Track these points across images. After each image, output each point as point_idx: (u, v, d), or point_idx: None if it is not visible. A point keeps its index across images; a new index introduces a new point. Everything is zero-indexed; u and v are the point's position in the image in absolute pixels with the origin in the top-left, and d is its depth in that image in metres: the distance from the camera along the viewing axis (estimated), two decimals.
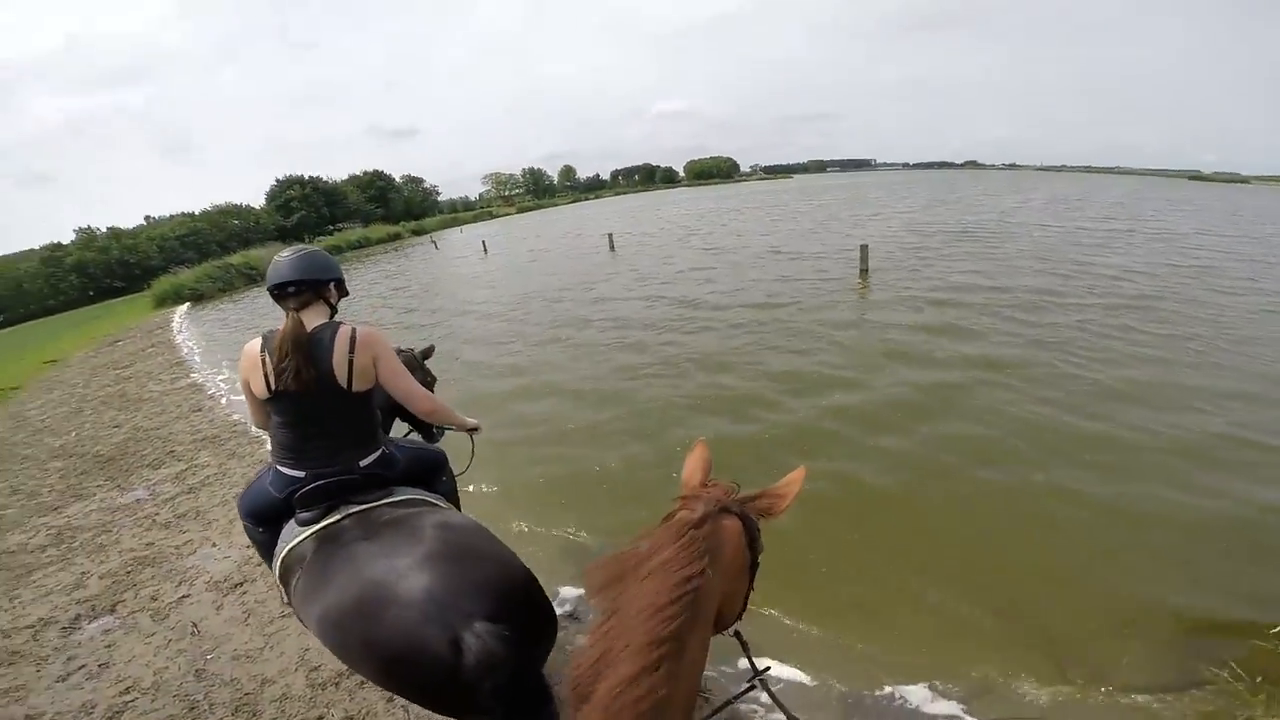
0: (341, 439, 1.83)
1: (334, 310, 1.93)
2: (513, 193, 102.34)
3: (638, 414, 5.35)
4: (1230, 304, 7.66)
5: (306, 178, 60.99)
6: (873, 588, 2.97)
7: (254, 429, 5.14)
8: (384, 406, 2.20)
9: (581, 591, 2.96)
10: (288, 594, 1.79)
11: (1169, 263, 10.63)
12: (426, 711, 1.65)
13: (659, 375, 6.31)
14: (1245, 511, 3.34)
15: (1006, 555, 3.13)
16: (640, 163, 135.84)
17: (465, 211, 75.56)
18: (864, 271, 10.44)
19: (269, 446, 1.92)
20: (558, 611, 2.85)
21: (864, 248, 10.73)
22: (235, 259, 29.60)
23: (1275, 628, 2.35)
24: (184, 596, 3.47)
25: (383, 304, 13.93)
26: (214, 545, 4.00)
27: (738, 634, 1.26)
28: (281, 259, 1.87)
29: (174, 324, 17.31)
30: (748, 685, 1.33)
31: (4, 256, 54.68)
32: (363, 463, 1.85)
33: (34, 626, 3.44)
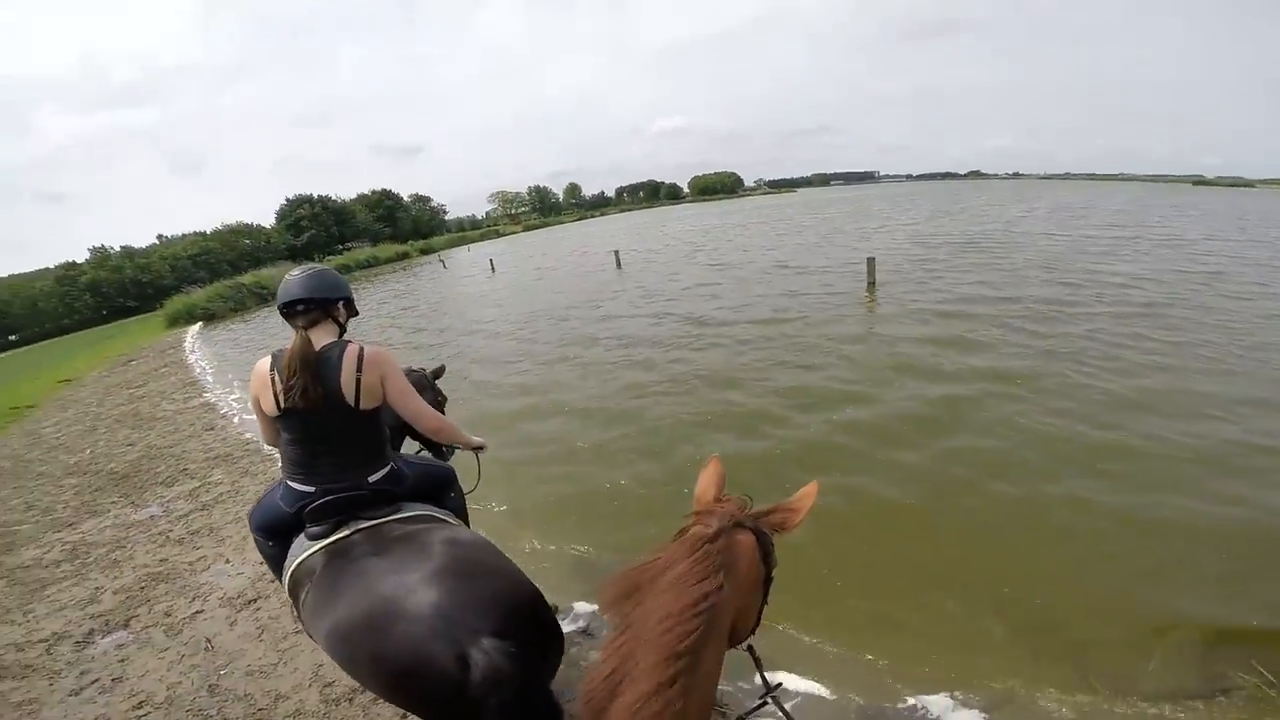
0: (350, 456, 1.85)
1: (343, 329, 1.96)
2: (519, 211, 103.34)
3: (646, 432, 5.34)
4: (1240, 309, 7.61)
5: (316, 197, 61.77)
6: (888, 601, 2.94)
7: (266, 447, 5.20)
8: (394, 425, 2.23)
9: (595, 607, 2.95)
10: (296, 607, 1.80)
11: (1177, 269, 10.57)
12: None
13: (667, 393, 6.31)
14: (1263, 518, 3.31)
15: (1023, 566, 3.10)
16: (644, 179, 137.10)
17: (472, 230, 76.37)
18: (871, 285, 10.42)
19: (280, 462, 1.95)
20: (571, 627, 2.87)
21: (870, 261, 10.73)
22: (246, 278, 30.00)
23: None
24: (197, 612, 3.49)
25: (391, 324, 14.03)
26: (227, 561, 4.01)
27: (751, 649, 1.26)
28: (292, 277, 1.91)
29: (186, 344, 17.50)
30: (760, 701, 1.33)
31: (20, 275, 55.62)
32: (372, 478, 1.87)
33: (47, 640, 3.46)
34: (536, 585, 1.72)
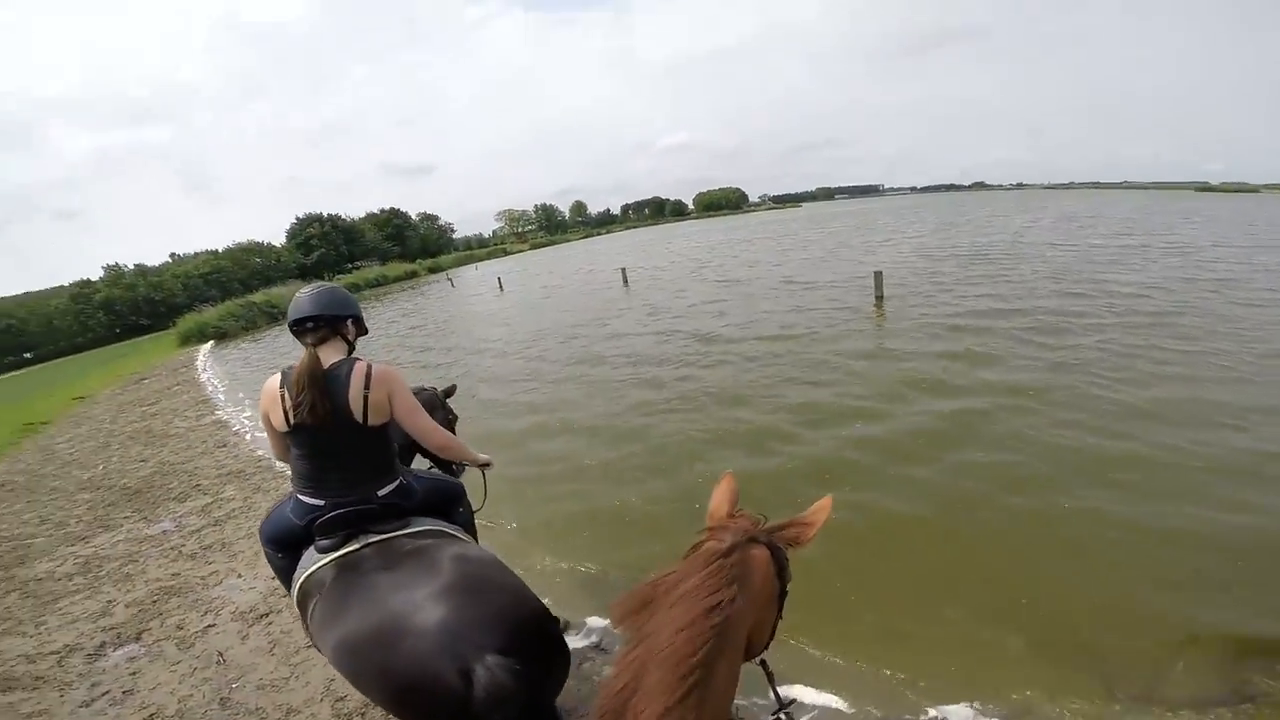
0: (359, 470, 1.88)
1: (351, 347, 1.99)
2: (526, 229, 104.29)
3: (655, 450, 5.33)
4: (1251, 316, 7.56)
5: (325, 215, 62.57)
6: (902, 614, 2.92)
7: (278, 464, 5.23)
8: (404, 443, 2.27)
9: (607, 623, 2.94)
10: (305, 619, 1.82)
11: (1186, 277, 10.52)
12: None
13: (675, 410, 6.30)
14: None
15: (1041, 578, 3.08)
16: (649, 196, 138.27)
17: (480, 249, 77.08)
18: (879, 299, 10.41)
19: (290, 477, 1.99)
20: (583, 642, 2.87)
21: (878, 274, 10.72)
22: (257, 297, 30.35)
23: None
24: (209, 626, 3.50)
25: (399, 343, 14.08)
26: (239, 576, 4.03)
27: (763, 663, 1.26)
28: (302, 295, 1.95)
29: (198, 362, 17.70)
30: (774, 716, 1.33)
31: (35, 293, 56.47)
32: (381, 492, 1.90)
33: (59, 653, 3.48)
34: (544, 602, 1.73)
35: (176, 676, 3.09)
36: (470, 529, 2.27)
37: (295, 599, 1.87)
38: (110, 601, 4.00)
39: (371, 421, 1.84)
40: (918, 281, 12.35)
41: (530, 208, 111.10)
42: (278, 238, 62.27)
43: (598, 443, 5.72)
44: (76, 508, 6.16)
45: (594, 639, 2.91)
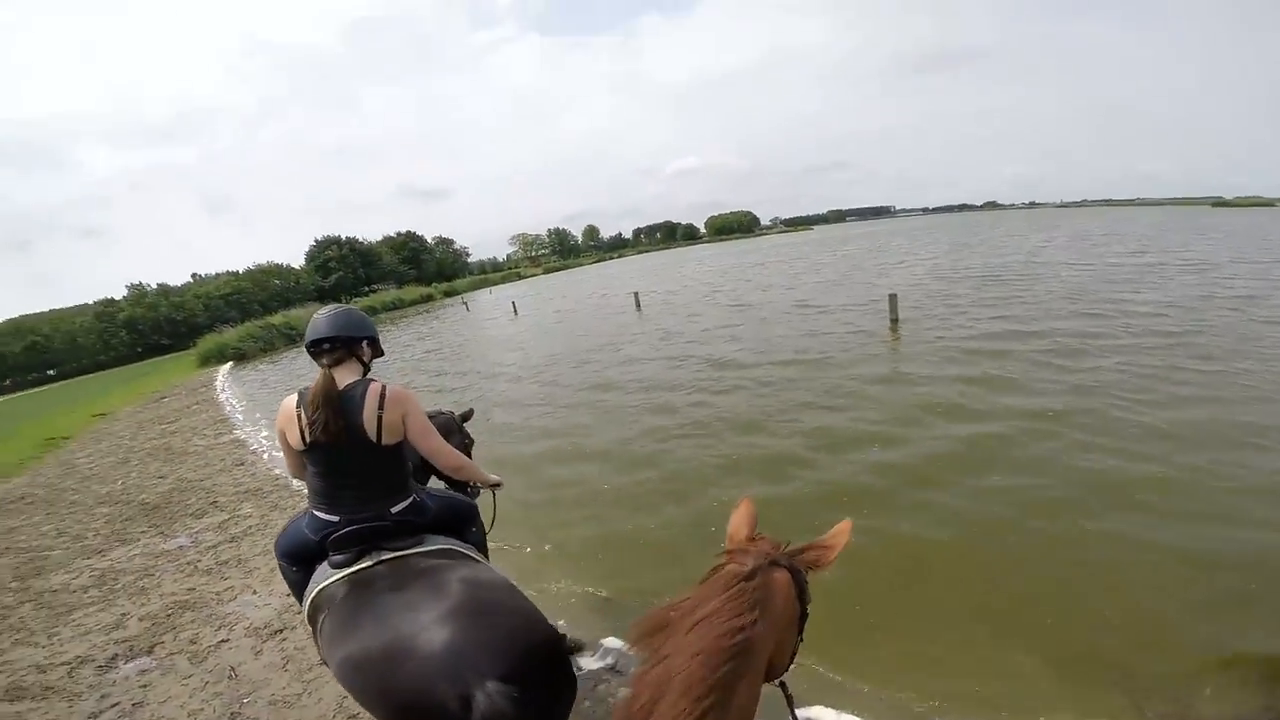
0: (373, 488, 1.91)
1: (366, 368, 2.03)
2: (539, 253, 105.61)
3: (670, 475, 5.30)
4: (1273, 334, 7.43)
5: (344, 238, 63.78)
6: (925, 638, 2.86)
7: (295, 483, 5.27)
8: (419, 464, 2.30)
9: (623, 644, 2.90)
10: (314, 632, 1.84)
11: (1206, 294, 10.38)
12: None
13: (690, 436, 6.26)
14: None
15: (1066, 601, 3.02)
16: (660, 220, 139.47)
17: (494, 273, 78.18)
18: (894, 322, 10.35)
19: (306, 493, 2.02)
20: (599, 664, 2.83)
21: (892, 297, 10.69)
22: (276, 319, 30.85)
23: None
24: (223, 641, 3.49)
25: (414, 368, 14.12)
26: (254, 592, 4.03)
27: (783, 684, 1.25)
28: (319, 317, 2.00)
29: (217, 383, 17.98)
30: None
31: (59, 310, 57.86)
32: (394, 509, 1.92)
33: (70, 664, 3.49)
34: (557, 625, 1.73)
35: (187, 690, 3.08)
36: (483, 549, 2.28)
37: (306, 614, 1.89)
38: (124, 614, 4.02)
39: (385, 441, 1.88)
40: (932, 304, 12.28)
41: (543, 231, 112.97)
42: (297, 259, 63.64)
43: (611, 468, 5.69)
44: (94, 521, 6.22)
45: (609, 660, 2.87)
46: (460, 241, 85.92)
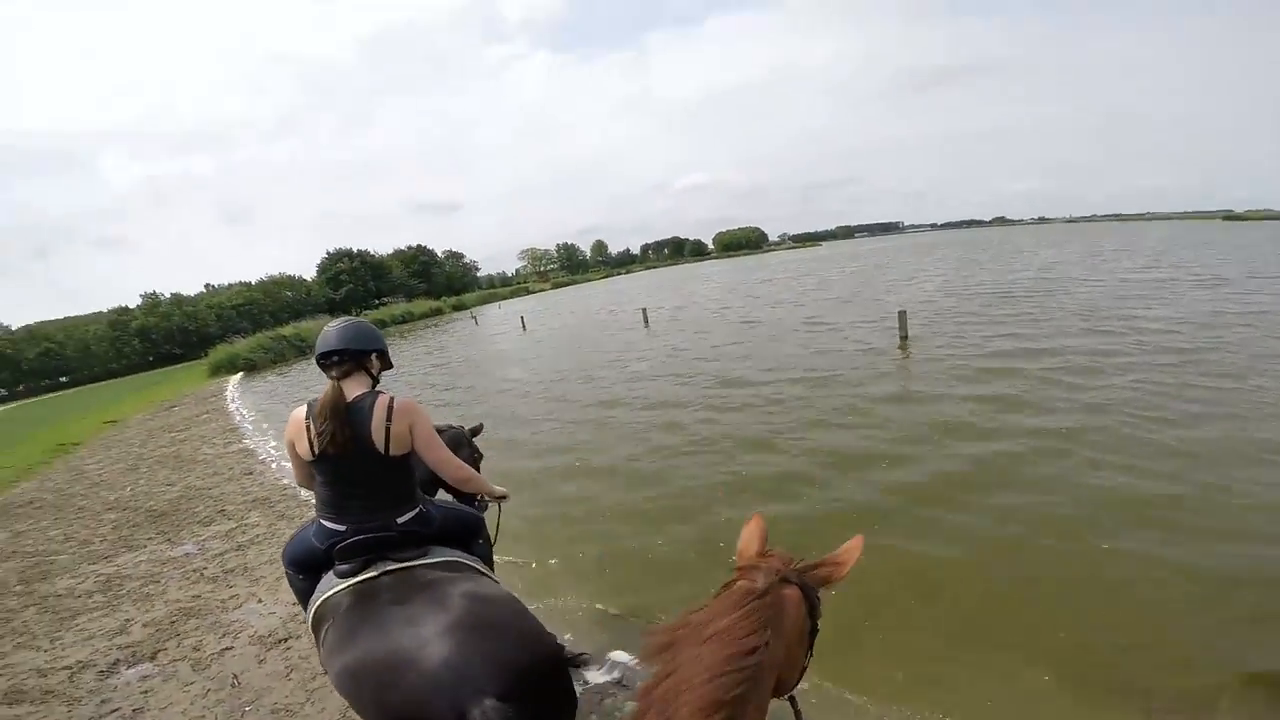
0: (380, 498, 1.92)
1: (375, 380, 2.05)
2: (548, 268, 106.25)
3: (678, 493, 5.26)
4: None
5: (355, 251, 64.44)
6: (937, 655, 2.82)
7: (303, 493, 5.27)
8: (427, 476, 2.30)
9: (630, 658, 2.86)
10: (318, 642, 1.83)
11: (1220, 310, 10.27)
12: None
13: (698, 453, 6.22)
14: None
15: (1080, 619, 2.96)
16: (668, 235, 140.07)
17: (503, 287, 78.62)
18: (904, 339, 10.30)
19: (314, 503, 2.03)
20: (605, 678, 2.80)
21: (902, 314, 10.64)
22: (287, 330, 31.12)
23: None
24: (226, 648, 3.47)
25: (423, 382, 14.12)
26: (260, 601, 4.01)
27: (792, 700, 1.24)
28: (329, 329, 2.03)
29: (227, 393, 18.09)
30: None
31: (74, 318, 58.63)
32: (400, 520, 1.93)
33: (71, 668, 3.48)
34: (562, 640, 1.71)
35: (189, 697, 3.05)
36: (488, 561, 2.28)
37: (310, 621, 1.89)
38: (128, 620, 4.01)
39: (393, 452, 1.89)
40: (942, 321, 12.19)
41: (552, 246, 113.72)
42: (308, 270, 64.37)
43: (619, 484, 5.66)
44: (102, 527, 6.24)
45: (615, 674, 2.83)
46: (470, 255, 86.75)
